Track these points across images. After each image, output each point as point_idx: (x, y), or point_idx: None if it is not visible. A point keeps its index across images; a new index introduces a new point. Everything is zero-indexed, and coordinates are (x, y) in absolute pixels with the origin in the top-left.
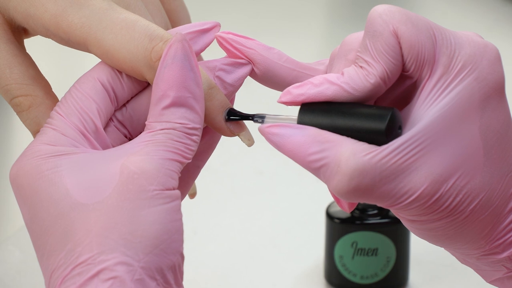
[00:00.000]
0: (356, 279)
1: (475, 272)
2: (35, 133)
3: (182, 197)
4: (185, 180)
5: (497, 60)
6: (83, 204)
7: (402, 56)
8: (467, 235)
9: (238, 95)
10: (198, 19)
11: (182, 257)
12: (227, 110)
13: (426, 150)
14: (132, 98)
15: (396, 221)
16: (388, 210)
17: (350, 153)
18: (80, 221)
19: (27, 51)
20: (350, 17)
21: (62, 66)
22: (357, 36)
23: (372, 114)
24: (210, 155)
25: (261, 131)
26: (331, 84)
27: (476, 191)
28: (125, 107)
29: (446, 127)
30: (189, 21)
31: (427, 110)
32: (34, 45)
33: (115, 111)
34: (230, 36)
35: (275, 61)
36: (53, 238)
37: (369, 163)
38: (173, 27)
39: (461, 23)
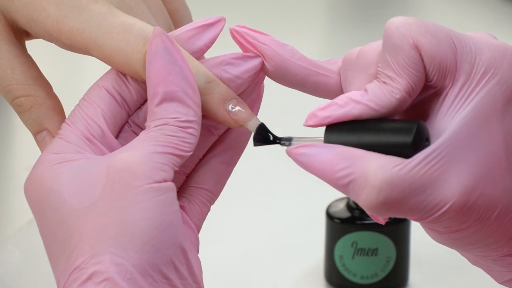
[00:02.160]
0: (356, 279)
1: (475, 272)
2: (36, 133)
3: (216, 197)
4: (217, 180)
5: None
6: (77, 209)
7: (425, 67)
8: (489, 240)
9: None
10: (198, 19)
11: (182, 250)
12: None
13: (453, 160)
14: (146, 100)
15: (396, 221)
16: None
17: (377, 166)
18: (75, 226)
19: (28, 53)
20: (350, 17)
21: (62, 68)
22: (374, 48)
23: (398, 128)
24: (240, 153)
25: (288, 153)
26: (356, 104)
27: (500, 197)
28: (141, 109)
29: (471, 135)
30: (191, 21)
31: (452, 119)
32: (36, 47)
33: (131, 115)
34: (245, 30)
35: (287, 58)
36: (57, 246)
37: (397, 175)
38: (175, 27)
39: (461, 23)
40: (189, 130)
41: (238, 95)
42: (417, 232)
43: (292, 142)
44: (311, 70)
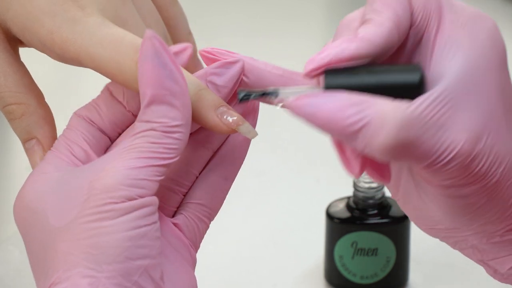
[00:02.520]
0: (356, 279)
1: (474, 273)
2: (25, 141)
3: (215, 213)
4: (214, 194)
5: (497, 30)
6: (57, 228)
7: (410, 4)
8: (496, 204)
9: None
10: (197, 20)
11: (158, 261)
12: (224, 107)
13: (460, 103)
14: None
15: (396, 221)
16: (389, 210)
17: (393, 107)
18: (53, 245)
19: (22, 60)
20: None
21: (55, 77)
22: (354, 13)
23: (401, 69)
24: (238, 167)
25: (288, 105)
26: (350, 42)
27: (503, 153)
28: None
29: (474, 80)
30: (187, 27)
31: (449, 63)
32: (29, 55)
33: (113, 141)
34: (216, 50)
35: (263, 68)
36: (40, 266)
37: (413, 114)
38: (171, 33)
39: None
40: (175, 135)
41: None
42: (417, 232)
43: (280, 92)
44: (287, 77)
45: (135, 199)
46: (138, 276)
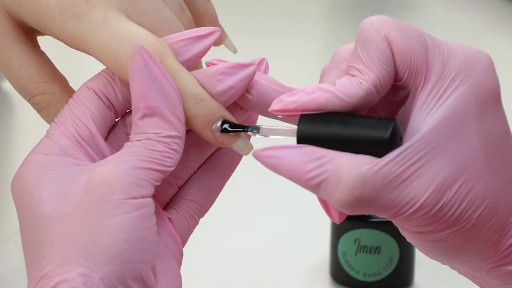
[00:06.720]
0: (359, 276)
1: None
2: None
3: (206, 211)
4: (208, 194)
5: (490, 66)
6: (52, 216)
7: (395, 63)
8: (475, 245)
9: None
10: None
11: (153, 266)
12: (219, 122)
13: (427, 158)
14: None
15: None
16: None
17: (350, 164)
18: (47, 234)
19: (42, 49)
20: (350, 18)
21: (74, 61)
22: (349, 47)
23: (376, 124)
24: (234, 167)
25: (255, 156)
26: (323, 91)
27: (480, 198)
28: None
29: (446, 134)
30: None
31: (425, 118)
32: (50, 43)
33: (118, 118)
34: (222, 63)
35: (267, 85)
36: (29, 249)
37: (369, 172)
38: (187, 2)
39: (461, 23)
40: (172, 146)
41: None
42: None
43: (261, 131)
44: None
45: (138, 198)
46: (131, 280)
